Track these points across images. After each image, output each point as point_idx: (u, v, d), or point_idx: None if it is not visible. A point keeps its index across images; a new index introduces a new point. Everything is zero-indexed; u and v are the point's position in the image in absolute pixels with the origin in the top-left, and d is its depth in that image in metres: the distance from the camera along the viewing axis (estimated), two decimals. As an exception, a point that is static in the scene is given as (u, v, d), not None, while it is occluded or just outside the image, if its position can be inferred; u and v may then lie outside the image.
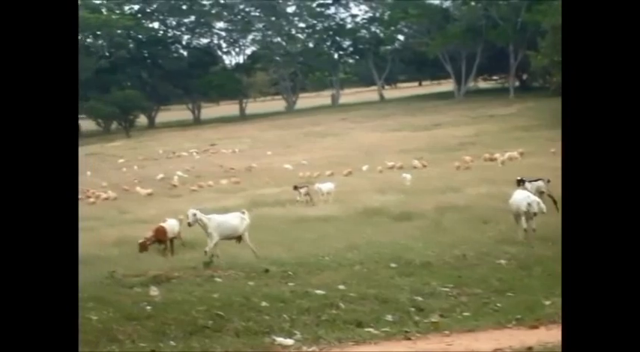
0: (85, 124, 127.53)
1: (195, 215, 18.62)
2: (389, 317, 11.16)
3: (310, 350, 9.94)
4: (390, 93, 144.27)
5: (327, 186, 37.66)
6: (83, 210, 40.02)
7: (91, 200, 47.16)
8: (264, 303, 12.05)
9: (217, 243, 18.64)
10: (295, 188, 37.74)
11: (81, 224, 19.78)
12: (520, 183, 19.83)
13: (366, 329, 10.61)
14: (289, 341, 10.18)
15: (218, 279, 14.75)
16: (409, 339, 10.18)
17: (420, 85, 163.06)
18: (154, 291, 13.67)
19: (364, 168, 50.78)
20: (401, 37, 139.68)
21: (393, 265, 15.18)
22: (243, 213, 20.24)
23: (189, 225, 19.06)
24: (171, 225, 23.07)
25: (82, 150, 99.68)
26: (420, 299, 12.08)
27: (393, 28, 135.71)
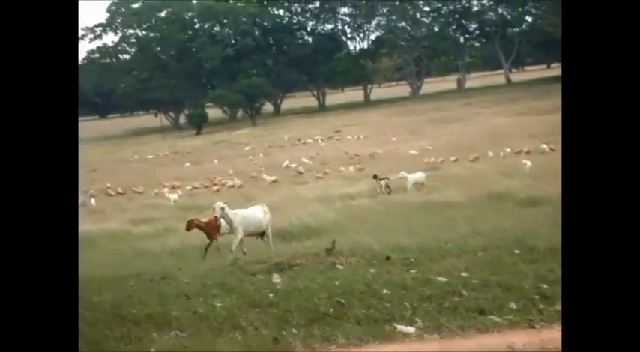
0: (212, 112, 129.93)
1: (223, 209, 18.21)
2: (512, 305, 10.94)
3: (432, 337, 9.84)
4: (517, 76, 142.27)
5: (416, 176, 36.22)
6: (208, 197, 40.89)
7: (216, 188, 47.89)
8: (385, 291, 11.96)
9: (242, 239, 18.44)
10: (375, 177, 36.57)
11: (207, 211, 20.25)
12: None
13: (489, 317, 10.43)
14: (411, 329, 10.10)
15: (340, 266, 14.73)
16: (533, 327, 9.99)
17: (549, 67, 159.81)
18: (276, 278, 13.75)
19: (490, 153, 50.15)
20: (529, 19, 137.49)
21: (516, 251, 14.88)
22: (262, 206, 19.95)
23: (216, 219, 18.72)
24: None
25: (209, 138, 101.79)
26: (544, 286, 11.78)
27: (520, 10, 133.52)
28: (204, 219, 22.07)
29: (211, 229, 21.62)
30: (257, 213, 19.19)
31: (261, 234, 19.31)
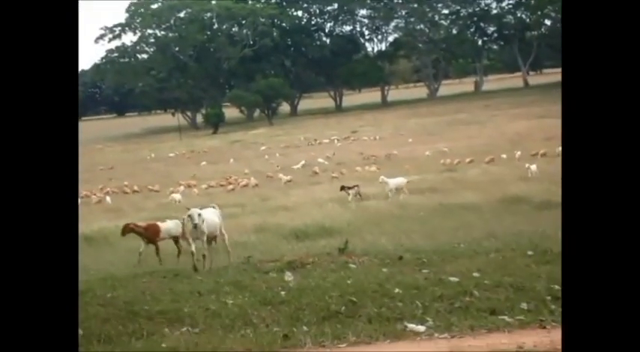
0: (229, 112, 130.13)
1: (200, 215, 17.30)
2: (524, 306, 10.93)
3: (442, 337, 9.86)
4: (534, 79, 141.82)
5: (396, 181, 35.33)
6: (223, 196, 40.92)
7: (231, 187, 47.85)
8: (397, 290, 11.98)
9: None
10: (342, 189, 35.23)
11: (222, 210, 20.28)
12: None
13: (500, 317, 10.43)
14: (421, 328, 10.11)
15: (352, 266, 14.78)
16: (544, 328, 9.97)
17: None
18: (288, 277, 13.80)
19: (504, 155, 49.91)
20: (548, 22, 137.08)
21: (529, 253, 14.91)
22: (215, 207, 19.04)
23: (196, 227, 17.18)
24: (168, 226, 20.83)
25: (226, 138, 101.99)
26: (556, 287, 11.71)
27: (539, 13, 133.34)
28: (143, 224, 21.20)
29: (151, 234, 20.58)
30: (213, 216, 18.34)
31: (213, 239, 18.44)
